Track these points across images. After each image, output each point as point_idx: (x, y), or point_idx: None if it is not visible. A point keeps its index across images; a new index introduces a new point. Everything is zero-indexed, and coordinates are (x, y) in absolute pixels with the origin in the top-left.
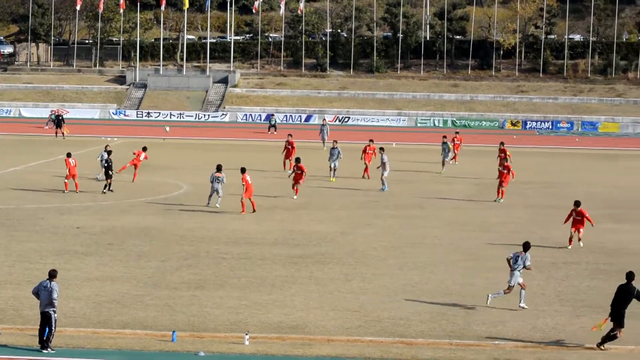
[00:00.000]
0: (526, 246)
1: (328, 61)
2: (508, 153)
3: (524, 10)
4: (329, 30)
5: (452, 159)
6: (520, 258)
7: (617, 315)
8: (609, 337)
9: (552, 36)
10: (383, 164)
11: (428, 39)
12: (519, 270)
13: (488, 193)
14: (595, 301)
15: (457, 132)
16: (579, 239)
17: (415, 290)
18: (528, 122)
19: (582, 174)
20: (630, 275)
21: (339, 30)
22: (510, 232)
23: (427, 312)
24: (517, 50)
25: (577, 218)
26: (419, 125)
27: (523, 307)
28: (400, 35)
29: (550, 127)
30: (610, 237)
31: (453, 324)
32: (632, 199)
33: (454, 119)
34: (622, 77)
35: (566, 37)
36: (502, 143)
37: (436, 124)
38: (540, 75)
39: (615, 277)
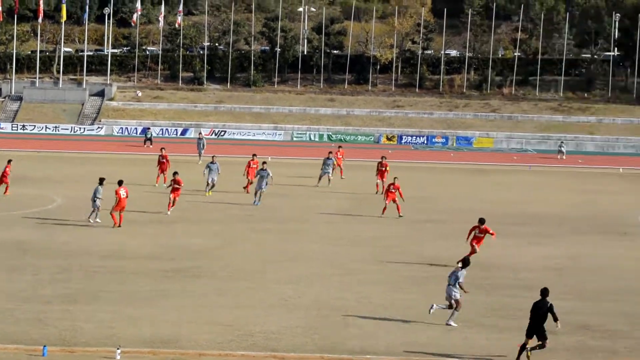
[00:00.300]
0: (464, 262)
1: (205, 75)
2: (387, 168)
3: (401, 25)
4: (206, 43)
5: (332, 174)
6: (454, 274)
7: (539, 332)
8: (540, 347)
9: (429, 51)
10: (262, 178)
11: (305, 53)
12: (453, 286)
13: (362, 207)
14: (469, 315)
15: (340, 147)
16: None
17: (289, 304)
18: (403, 137)
19: (456, 189)
20: (544, 292)
21: (216, 44)
22: (384, 247)
23: (299, 326)
24: (394, 65)
25: (479, 235)
26: (294, 139)
27: (450, 325)
28: (278, 50)
29: (426, 141)
30: (483, 252)
31: (325, 338)
32: (504, 213)
33: (330, 133)
34: (497, 93)
35: (443, 52)
36: (383, 157)
37: (312, 138)
38: (417, 90)
39: (488, 291)
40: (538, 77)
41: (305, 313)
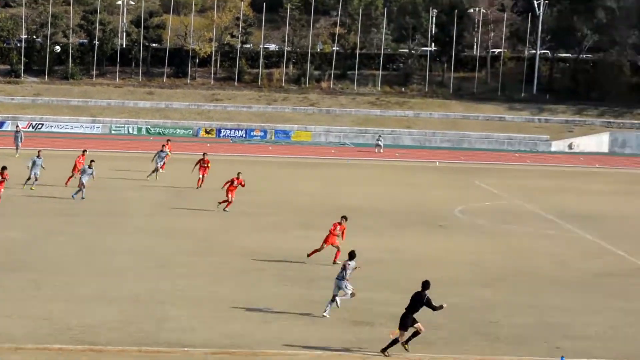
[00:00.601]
0: (351, 255)
1: (22, 67)
2: (209, 164)
3: (220, 19)
4: (24, 36)
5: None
6: (346, 267)
7: (411, 321)
8: (414, 335)
9: (248, 45)
10: (85, 174)
11: (124, 46)
12: (343, 279)
13: (181, 201)
14: (283, 307)
15: (168, 140)
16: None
17: (106, 297)
18: (222, 130)
19: (275, 182)
20: (425, 284)
21: (34, 37)
22: (202, 240)
23: (117, 320)
24: (213, 59)
25: (336, 233)
26: (113, 132)
27: (325, 316)
28: (97, 43)
29: (244, 135)
30: (299, 244)
31: (143, 331)
32: (323, 207)
33: (149, 126)
34: (316, 87)
35: (261, 46)
36: (204, 154)
37: (130, 131)
38: (236, 84)
39: (306, 283)
40: (356, 72)
41: (123, 306)
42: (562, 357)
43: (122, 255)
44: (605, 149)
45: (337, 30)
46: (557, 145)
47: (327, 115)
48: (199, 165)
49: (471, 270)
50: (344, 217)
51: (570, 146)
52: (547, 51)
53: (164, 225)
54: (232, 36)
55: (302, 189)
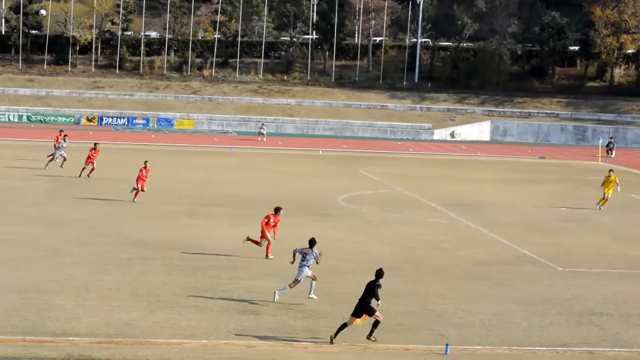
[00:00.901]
0: (312, 242)
1: None
2: (97, 154)
3: (100, 6)
4: None
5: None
6: (308, 255)
7: (366, 309)
8: (375, 325)
9: (129, 33)
10: None
11: (3, 33)
12: (307, 267)
13: (67, 189)
14: (169, 296)
15: (61, 131)
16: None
17: None
18: (104, 118)
19: (158, 171)
20: (378, 273)
21: None
22: (87, 228)
23: (1, 310)
24: (94, 46)
25: (271, 224)
26: None
27: (312, 298)
28: None
29: (127, 123)
30: (185, 233)
31: (27, 320)
32: (205, 195)
33: (30, 114)
34: (198, 75)
35: (142, 34)
36: (96, 143)
37: (11, 119)
38: (117, 71)
39: (187, 272)
40: (238, 60)
41: (8, 296)
42: (447, 344)
43: (8, 245)
44: (486, 137)
45: (219, 17)
46: (440, 134)
47: (210, 103)
48: (89, 153)
49: (355, 259)
50: (278, 209)
51: (452, 134)
52: (428, 40)
53: (50, 214)
54: (113, 23)
55: (187, 177)
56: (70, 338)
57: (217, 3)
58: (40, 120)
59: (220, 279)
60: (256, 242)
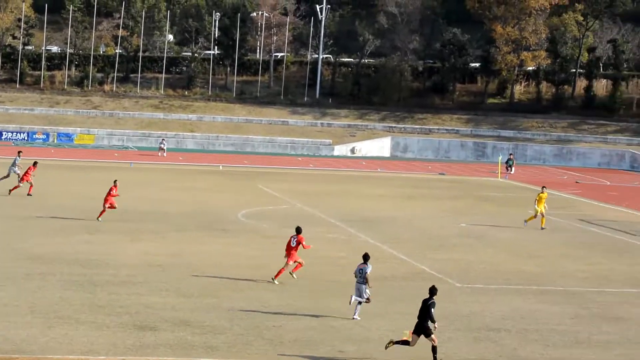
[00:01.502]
0: (365, 257)
1: None
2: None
3: (1, 20)
4: None
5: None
6: (363, 270)
7: (422, 328)
8: (434, 351)
9: (30, 47)
10: None
11: None
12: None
13: None
14: (67, 312)
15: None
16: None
17: None
18: (4, 133)
19: (58, 186)
20: (431, 290)
21: None
22: None
23: None
24: None
25: (292, 245)
26: None
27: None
28: None
29: (27, 138)
30: (85, 248)
31: None
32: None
33: None
34: (99, 90)
35: (44, 48)
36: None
37: None
38: (17, 86)
39: (86, 287)
40: (139, 75)
41: None
42: None
43: None
44: (387, 153)
45: (120, 32)
46: (340, 150)
47: (110, 118)
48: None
49: (253, 274)
50: (299, 229)
51: (352, 150)
52: (330, 55)
53: None
54: (14, 37)
55: (86, 192)
56: None
57: (119, 18)
58: None
59: (118, 294)
60: (282, 270)
